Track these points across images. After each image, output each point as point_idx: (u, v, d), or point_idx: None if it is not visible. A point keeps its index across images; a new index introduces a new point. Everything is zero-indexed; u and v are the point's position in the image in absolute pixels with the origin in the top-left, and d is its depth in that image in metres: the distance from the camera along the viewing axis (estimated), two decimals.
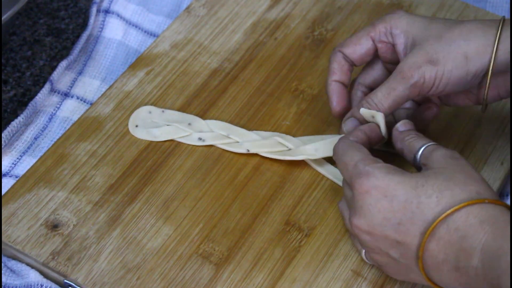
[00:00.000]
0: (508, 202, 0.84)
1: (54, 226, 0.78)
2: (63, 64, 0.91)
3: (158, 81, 0.89)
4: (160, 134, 0.85)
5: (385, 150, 0.81)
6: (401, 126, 0.77)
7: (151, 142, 0.84)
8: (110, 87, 0.89)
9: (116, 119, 0.86)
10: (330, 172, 0.82)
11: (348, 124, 0.80)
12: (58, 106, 0.90)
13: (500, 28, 0.75)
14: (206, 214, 0.80)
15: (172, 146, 0.84)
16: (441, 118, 0.86)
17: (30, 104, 0.88)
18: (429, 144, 0.73)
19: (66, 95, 0.91)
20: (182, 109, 0.87)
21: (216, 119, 0.86)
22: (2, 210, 0.79)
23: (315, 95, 0.89)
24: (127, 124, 0.86)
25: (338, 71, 0.82)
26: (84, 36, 0.94)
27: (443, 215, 0.67)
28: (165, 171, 0.82)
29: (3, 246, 0.78)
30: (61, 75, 0.91)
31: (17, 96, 0.93)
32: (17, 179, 0.83)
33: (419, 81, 0.76)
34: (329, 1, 0.97)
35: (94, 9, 0.96)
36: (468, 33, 0.75)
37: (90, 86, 0.92)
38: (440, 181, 0.69)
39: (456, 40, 0.75)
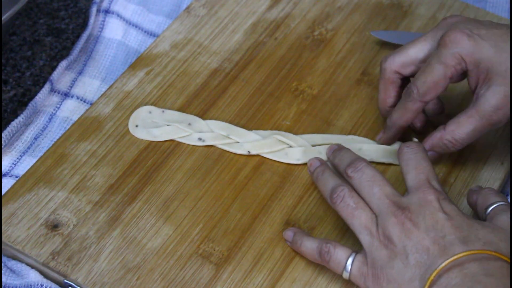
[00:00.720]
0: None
1: (54, 226, 0.78)
2: (63, 64, 0.91)
3: (158, 81, 0.89)
4: (160, 134, 0.85)
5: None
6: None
7: (151, 142, 0.84)
8: (110, 87, 0.89)
9: (116, 119, 0.86)
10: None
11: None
12: (58, 106, 0.90)
13: None
14: (206, 214, 0.80)
15: (172, 146, 0.84)
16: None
17: (30, 104, 0.88)
18: (501, 203, 0.74)
19: (66, 95, 0.91)
20: (182, 109, 0.87)
21: (216, 119, 0.86)
22: (2, 210, 0.79)
23: (315, 95, 0.89)
24: (127, 124, 0.86)
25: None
26: (84, 36, 0.94)
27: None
28: (165, 171, 0.82)
29: (3, 246, 0.78)
30: (61, 75, 0.91)
31: (17, 96, 0.93)
32: (17, 179, 0.83)
33: (502, 122, 0.78)
34: (329, 1, 0.97)
35: (94, 9, 0.96)
36: None
37: (90, 86, 0.92)
38: (491, 236, 0.70)
39: None
